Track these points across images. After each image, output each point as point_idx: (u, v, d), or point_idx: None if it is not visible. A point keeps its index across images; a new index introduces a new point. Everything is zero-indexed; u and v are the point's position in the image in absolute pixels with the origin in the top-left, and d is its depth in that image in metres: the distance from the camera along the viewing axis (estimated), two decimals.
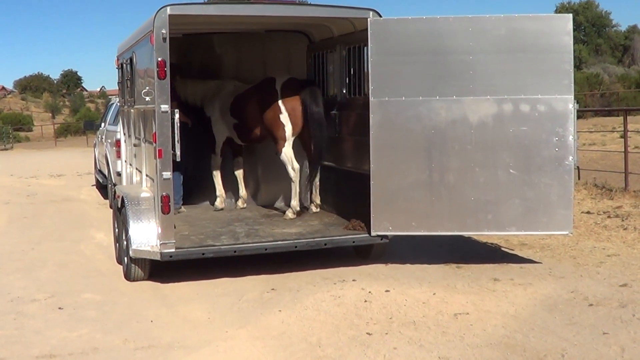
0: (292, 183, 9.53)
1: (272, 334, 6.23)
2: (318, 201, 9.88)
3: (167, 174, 7.65)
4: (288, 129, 9.44)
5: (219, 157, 10.52)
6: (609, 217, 10.86)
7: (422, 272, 8.10)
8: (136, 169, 9.47)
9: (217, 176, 10.58)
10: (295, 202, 9.55)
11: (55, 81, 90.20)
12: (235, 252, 8.04)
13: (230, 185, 10.69)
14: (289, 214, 9.53)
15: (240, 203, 10.61)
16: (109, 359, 5.78)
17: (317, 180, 9.79)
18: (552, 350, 5.62)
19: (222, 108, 10.29)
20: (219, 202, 10.52)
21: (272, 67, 10.56)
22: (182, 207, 10.30)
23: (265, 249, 8.12)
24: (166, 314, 6.95)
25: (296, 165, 9.50)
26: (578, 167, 12.36)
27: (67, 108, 73.78)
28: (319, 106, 9.37)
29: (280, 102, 9.42)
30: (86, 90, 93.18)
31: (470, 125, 7.98)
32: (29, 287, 8.08)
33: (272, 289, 7.59)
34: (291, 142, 9.50)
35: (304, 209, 9.83)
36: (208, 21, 9.32)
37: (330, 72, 9.98)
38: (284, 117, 9.42)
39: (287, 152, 9.47)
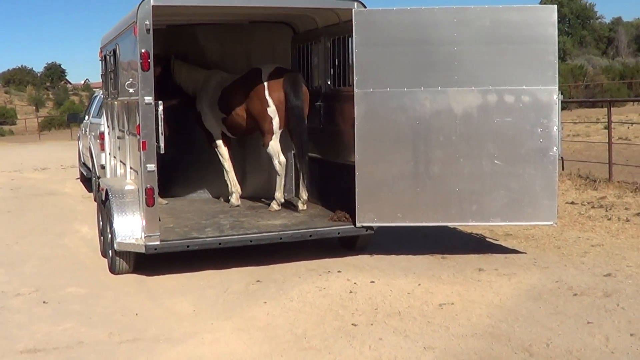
0: (278, 176, 9.43)
1: (257, 325, 6.22)
2: (305, 197, 9.42)
3: (151, 167, 7.61)
4: (275, 122, 9.24)
5: (224, 147, 10.14)
6: (593, 207, 10.92)
7: (407, 263, 8.11)
8: (120, 161, 9.42)
9: (230, 170, 10.14)
10: (279, 194, 9.49)
11: (38, 74, 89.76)
12: (220, 244, 8.01)
13: (218, 177, 10.52)
14: (274, 205, 9.49)
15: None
16: (94, 353, 5.74)
17: (304, 174, 9.45)
18: (536, 339, 5.64)
19: (210, 102, 10.00)
20: (234, 199, 10.09)
21: (256, 59, 10.45)
22: (165, 199, 10.17)
23: (250, 241, 8.10)
24: (151, 307, 6.93)
25: (282, 159, 9.39)
26: (562, 157, 12.39)
27: (51, 101, 73.42)
28: (299, 98, 9.11)
29: (267, 94, 9.19)
30: (70, 83, 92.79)
31: (455, 116, 7.98)
32: (13, 282, 8.02)
33: (258, 281, 7.58)
34: (278, 135, 9.35)
35: (290, 204, 9.76)
36: (192, 12, 9.26)
37: (314, 64, 9.94)
38: (272, 110, 9.20)
39: (274, 145, 9.32)
